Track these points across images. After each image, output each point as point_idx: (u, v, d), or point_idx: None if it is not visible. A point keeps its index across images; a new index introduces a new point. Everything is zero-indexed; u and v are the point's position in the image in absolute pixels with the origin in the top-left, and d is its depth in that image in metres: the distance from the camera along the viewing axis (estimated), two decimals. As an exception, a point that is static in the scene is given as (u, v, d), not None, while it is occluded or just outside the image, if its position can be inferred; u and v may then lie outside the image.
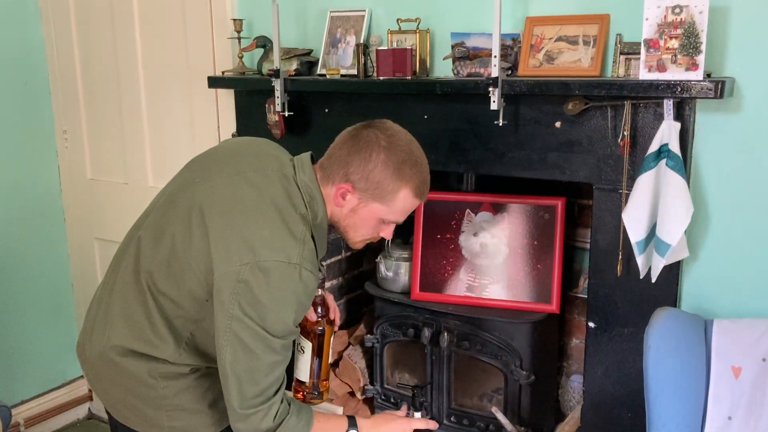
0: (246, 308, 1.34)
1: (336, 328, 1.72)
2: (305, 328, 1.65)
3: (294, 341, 1.60)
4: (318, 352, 1.67)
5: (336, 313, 1.73)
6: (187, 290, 1.45)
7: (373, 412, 2.59)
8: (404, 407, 1.74)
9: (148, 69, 2.72)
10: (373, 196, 1.46)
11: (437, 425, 1.70)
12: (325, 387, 1.71)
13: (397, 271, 2.46)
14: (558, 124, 1.89)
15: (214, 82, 2.40)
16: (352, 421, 1.56)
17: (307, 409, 1.51)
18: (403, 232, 2.57)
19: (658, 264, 1.71)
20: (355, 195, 1.47)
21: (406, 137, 1.51)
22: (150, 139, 2.79)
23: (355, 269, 2.86)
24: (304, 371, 1.67)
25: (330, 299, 1.72)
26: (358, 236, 1.55)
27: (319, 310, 1.68)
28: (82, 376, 3.24)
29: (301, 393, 1.69)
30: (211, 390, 1.57)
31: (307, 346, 1.66)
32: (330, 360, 1.71)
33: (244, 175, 1.47)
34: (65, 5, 2.85)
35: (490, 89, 1.84)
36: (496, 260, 2.31)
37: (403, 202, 1.49)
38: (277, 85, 2.21)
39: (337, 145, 1.53)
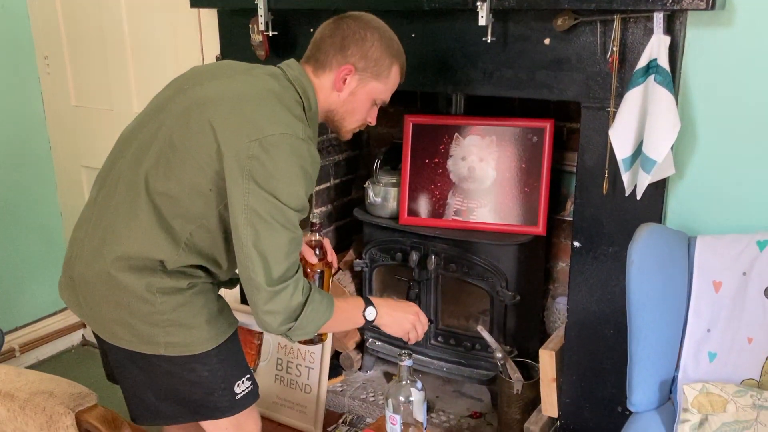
0: (260, 182, 1.38)
1: (334, 271, 1.75)
2: (305, 270, 1.66)
3: None
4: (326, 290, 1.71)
5: (333, 257, 1.77)
6: (188, 183, 1.46)
7: (362, 335, 2.63)
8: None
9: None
10: (373, 74, 1.57)
11: (428, 321, 1.80)
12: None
13: (385, 197, 2.46)
14: (547, 41, 1.86)
15: (196, 1, 2.34)
16: (367, 301, 1.62)
17: (326, 292, 1.58)
18: (392, 158, 2.56)
19: (644, 181, 1.71)
20: (355, 76, 1.56)
21: (380, 21, 1.62)
22: (133, 64, 2.73)
23: (344, 197, 2.86)
24: None
25: (327, 243, 1.75)
26: (354, 123, 1.63)
27: (317, 252, 1.71)
28: (74, 305, 3.27)
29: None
30: (207, 306, 1.58)
31: None
32: None
33: (235, 77, 1.53)
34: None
35: (479, 3, 1.80)
36: (484, 184, 2.31)
37: (394, 78, 1.62)
38: (260, 2, 2.15)
39: (323, 37, 1.59)
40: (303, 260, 1.68)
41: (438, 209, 2.36)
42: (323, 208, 2.76)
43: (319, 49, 1.58)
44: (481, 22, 1.81)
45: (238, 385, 1.63)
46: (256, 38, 2.25)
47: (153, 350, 1.54)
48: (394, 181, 2.46)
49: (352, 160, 2.87)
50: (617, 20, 1.72)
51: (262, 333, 2.58)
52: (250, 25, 2.25)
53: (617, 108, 1.75)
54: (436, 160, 2.37)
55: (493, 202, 2.30)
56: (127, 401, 1.65)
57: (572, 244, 1.96)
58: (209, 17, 2.47)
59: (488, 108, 2.37)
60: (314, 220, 1.78)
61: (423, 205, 2.38)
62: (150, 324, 1.53)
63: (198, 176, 1.45)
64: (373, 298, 1.64)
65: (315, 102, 1.57)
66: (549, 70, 1.88)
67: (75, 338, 3.26)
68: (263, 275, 1.41)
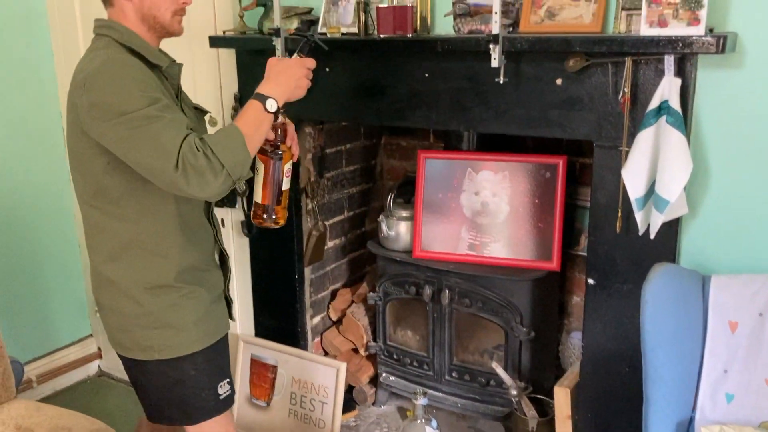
0: (107, 116, 1.44)
1: (295, 159, 1.72)
2: (262, 147, 1.64)
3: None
4: (274, 176, 1.67)
5: (294, 143, 1.73)
6: (86, 164, 1.56)
7: (375, 369, 2.64)
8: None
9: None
10: None
11: (314, 62, 1.69)
12: (281, 215, 1.71)
13: (398, 231, 2.48)
14: (559, 81, 1.88)
15: (216, 41, 2.39)
16: (257, 96, 1.56)
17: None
18: (405, 191, 2.58)
19: (657, 220, 1.72)
20: None
21: None
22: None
23: (357, 229, 2.89)
24: (257, 192, 1.68)
25: (291, 129, 1.72)
26: (166, 11, 1.60)
27: (279, 132, 1.67)
28: (91, 335, 3.30)
29: (258, 217, 1.71)
30: (195, 309, 1.66)
31: (260, 167, 1.67)
32: (286, 187, 1.70)
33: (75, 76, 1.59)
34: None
35: (491, 46, 1.82)
36: (498, 219, 2.32)
37: None
38: (278, 44, 2.20)
39: None
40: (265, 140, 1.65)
41: (451, 243, 2.38)
42: (337, 241, 2.79)
43: None
44: (494, 63, 1.84)
45: (221, 386, 1.71)
46: (273, 77, 2.29)
47: (148, 356, 1.64)
48: (408, 215, 2.48)
49: (365, 193, 2.90)
50: (628, 62, 1.74)
51: (276, 366, 2.59)
52: (267, 64, 2.29)
53: (629, 147, 1.77)
54: (450, 195, 2.39)
55: (506, 237, 2.31)
56: (141, 402, 1.78)
57: (586, 281, 1.97)
58: (228, 54, 2.52)
59: (501, 143, 2.40)
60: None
61: (436, 239, 2.40)
62: (143, 327, 1.63)
63: (94, 161, 1.54)
64: (260, 87, 1.58)
65: (128, 31, 1.57)
66: (561, 110, 1.90)
67: (91, 369, 3.28)
68: (164, 171, 1.41)
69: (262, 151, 1.65)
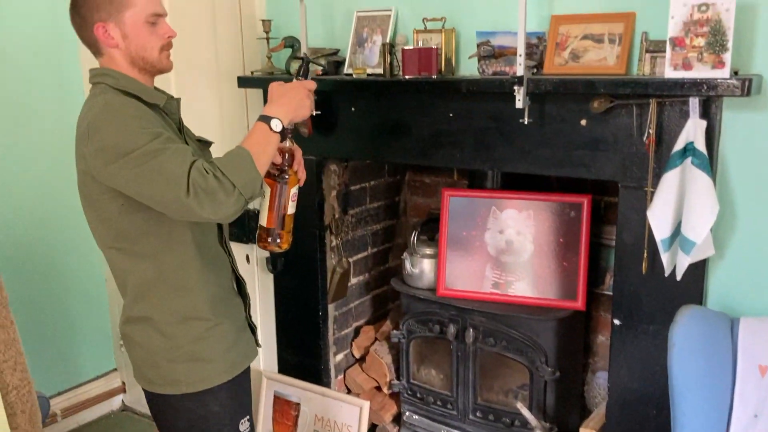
0: (114, 158, 1.47)
1: (301, 183, 1.73)
2: (268, 171, 1.66)
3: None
4: (279, 200, 1.68)
5: (301, 168, 1.74)
6: (102, 210, 1.59)
7: (399, 407, 2.62)
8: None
9: (179, 69, 2.75)
10: (118, 10, 1.57)
11: (315, 84, 1.73)
12: (285, 239, 1.71)
13: (422, 268, 2.48)
14: (583, 122, 1.90)
15: (244, 82, 2.45)
16: (263, 117, 1.59)
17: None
18: (429, 228, 2.60)
19: (684, 262, 1.71)
20: (110, 24, 1.57)
21: None
22: (181, 138, 2.84)
23: (380, 265, 2.90)
24: (262, 216, 1.69)
25: (298, 154, 1.74)
26: (153, 51, 1.62)
27: (286, 156, 1.68)
28: (116, 369, 3.32)
29: (263, 241, 1.71)
30: (223, 340, 1.68)
31: (267, 190, 1.68)
32: (292, 211, 1.71)
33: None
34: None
35: (516, 88, 1.85)
36: (522, 257, 2.32)
37: None
38: (305, 84, 2.24)
39: (73, 26, 1.63)
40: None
41: (476, 282, 2.38)
42: (360, 278, 2.79)
43: (81, 37, 1.63)
44: (518, 105, 1.86)
45: (242, 423, 1.71)
46: (299, 116, 2.34)
47: (175, 390, 1.65)
48: (432, 253, 2.48)
49: (389, 230, 2.92)
50: (653, 104, 1.75)
51: (299, 404, 2.59)
52: (294, 104, 2.33)
53: (655, 188, 1.77)
54: (474, 233, 2.39)
55: (531, 276, 2.31)
56: None
57: (612, 321, 1.96)
58: (255, 94, 2.57)
59: (524, 181, 2.41)
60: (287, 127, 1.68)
61: (461, 278, 2.40)
62: (169, 359, 1.64)
63: (109, 205, 1.56)
64: (265, 109, 1.61)
65: (122, 76, 1.60)
66: (586, 150, 1.91)
67: (115, 403, 3.30)
68: (177, 199, 1.43)
69: (268, 174, 1.67)
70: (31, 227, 2.87)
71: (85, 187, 1.60)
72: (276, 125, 1.57)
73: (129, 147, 1.45)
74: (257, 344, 1.85)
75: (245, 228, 2.59)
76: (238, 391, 1.73)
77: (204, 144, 1.84)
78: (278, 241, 1.69)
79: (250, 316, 1.85)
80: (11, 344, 2.01)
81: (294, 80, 1.72)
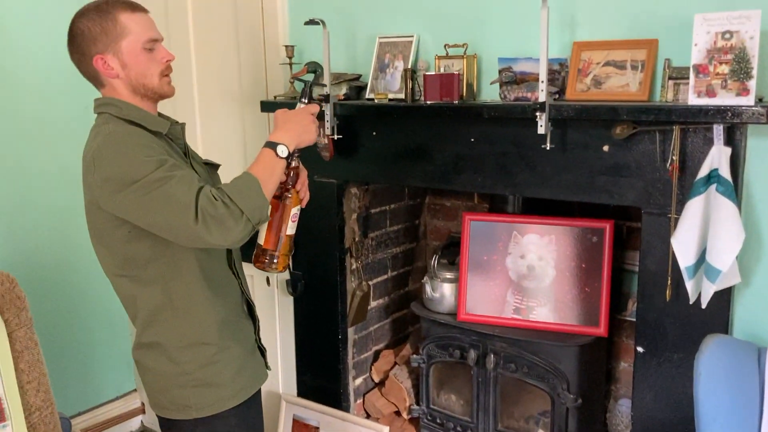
0: (119, 188, 1.48)
1: (303, 204, 1.74)
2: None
3: None
4: (279, 219, 1.67)
5: (303, 188, 1.74)
6: (108, 238, 1.61)
7: (418, 432, 2.61)
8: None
9: (203, 93, 2.82)
10: (115, 40, 1.59)
11: (318, 107, 1.76)
12: (281, 260, 1.69)
13: (443, 292, 2.48)
14: (606, 148, 1.89)
15: (267, 106, 2.47)
16: (269, 144, 1.60)
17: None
18: (449, 252, 2.59)
19: (709, 290, 1.69)
20: (108, 56, 1.59)
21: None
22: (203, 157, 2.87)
23: (400, 289, 2.89)
24: (260, 235, 1.68)
25: (303, 174, 1.75)
26: (154, 77, 1.64)
27: (291, 175, 1.69)
28: (135, 390, 3.33)
29: (260, 261, 1.69)
30: (231, 364, 1.68)
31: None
32: (291, 232, 1.70)
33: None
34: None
35: (538, 114, 1.85)
36: (544, 283, 2.31)
37: (131, 22, 1.60)
38: (327, 109, 2.26)
39: (73, 62, 1.66)
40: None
41: (497, 307, 2.37)
42: (380, 301, 2.79)
43: (82, 71, 1.65)
44: (540, 131, 1.86)
45: None
46: (322, 141, 2.36)
47: (186, 415, 1.65)
48: (452, 277, 2.48)
49: (409, 253, 2.92)
50: (676, 131, 1.75)
51: (318, 428, 2.58)
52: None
53: (678, 214, 1.76)
54: (495, 258, 2.39)
55: (552, 302, 2.29)
56: None
57: (635, 349, 1.94)
58: (276, 119, 2.60)
59: (546, 205, 2.40)
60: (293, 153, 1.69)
61: (481, 302, 2.39)
62: (179, 386, 1.65)
63: (115, 233, 1.58)
64: (271, 135, 1.63)
65: (125, 105, 1.62)
66: (608, 176, 1.91)
67: (134, 424, 3.31)
68: (186, 226, 1.44)
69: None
70: (55, 250, 2.91)
71: (92, 216, 1.62)
72: (282, 151, 1.59)
73: (134, 176, 1.46)
74: (267, 367, 1.85)
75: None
76: (249, 414, 1.73)
77: (211, 167, 1.85)
78: (275, 261, 1.68)
79: (260, 339, 1.85)
80: (35, 365, 2.03)
81: (298, 105, 1.74)
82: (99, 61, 1.59)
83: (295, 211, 1.69)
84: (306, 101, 1.78)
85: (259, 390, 1.80)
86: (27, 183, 2.82)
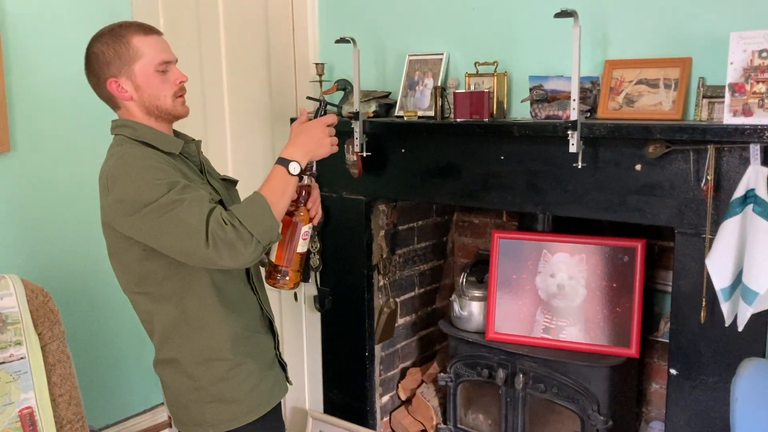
0: (131, 211, 1.50)
1: (315, 223, 1.72)
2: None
3: None
4: (290, 237, 1.67)
5: (315, 206, 1.73)
6: (123, 257, 1.63)
7: (445, 452, 2.58)
8: (302, 111, 1.74)
9: (234, 110, 2.85)
10: (128, 63, 1.61)
11: (336, 118, 1.72)
12: (292, 277, 1.69)
13: (471, 311, 2.46)
14: (638, 167, 1.87)
15: (296, 123, 2.49)
16: (280, 160, 1.59)
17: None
18: (477, 270, 2.58)
19: (745, 312, 1.65)
20: (121, 78, 1.61)
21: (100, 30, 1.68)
22: (232, 174, 2.90)
23: (428, 306, 2.88)
24: (272, 251, 1.68)
25: (315, 192, 1.73)
26: (167, 98, 1.65)
27: (303, 194, 1.68)
28: (162, 403, 3.35)
29: (272, 278, 1.69)
30: (246, 380, 1.68)
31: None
32: (302, 249, 1.69)
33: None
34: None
35: (570, 132, 1.84)
36: (574, 302, 2.28)
37: (144, 45, 1.62)
38: (357, 126, 2.27)
39: (91, 87, 1.68)
40: None
41: (526, 326, 2.34)
42: (407, 318, 2.78)
43: (99, 94, 1.68)
44: (572, 149, 1.85)
45: None
46: (350, 158, 2.37)
47: (203, 431, 1.66)
48: (481, 295, 2.46)
49: (436, 270, 2.91)
50: (711, 150, 1.72)
51: (345, 445, 2.56)
52: (345, 146, 2.37)
53: (713, 235, 1.73)
54: (524, 276, 2.37)
55: (583, 321, 2.27)
56: None
57: (669, 372, 1.90)
58: (306, 135, 2.61)
59: (575, 224, 2.38)
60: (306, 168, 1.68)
61: (510, 321, 2.37)
62: (196, 401, 1.66)
63: (130, 251, 1.60)
64: (283, 151, 1.61)
65: (140, 126, 1.63)
66: (641, 195, 1.88)
67: (161, 438, 3.33)
68: (197, 249, 1.45)
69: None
70: (85, 263, 2.95)
71: (107, 235, 1.65)
72: (294, 168, 1.58)
73: (145, 199, 1.48)
74: (288, 381, 1.84)
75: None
76: (267, 429, 1.72)
77: (229, 183, 1.85)
78: (286, 279, 1.68)
79: (280, 353, 1.84)
80: (67, 378, 2.06)
81: (312, 122, 1.71)
82: (113, 84, 1.62)
83: (305, 228, 1.69)
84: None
85: (280, 404, 1.80)
86: (59, 196, 2.87)
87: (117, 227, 1.57)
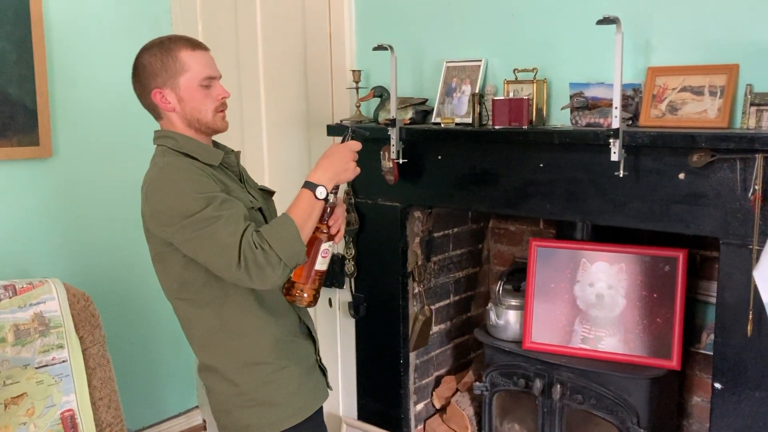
0: (169, 222, 1.55)
1: (335, 241, 1.74)
2: None
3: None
4: (311, 256, 1.67)
5: (336, 225, 1.73)
6: (166, 262, 1.67)
7: (480, 462, 2.56)
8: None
9: (271, 117, 2.87)
10: (173, 76, 1.65)
11: (360, 145, 1.75)
12: (310, 294, 1.69)
13: (507, 319, 2.43)
14: (682, 176, 1.84)
15: (333, 130, 2.50)
16: (307, 184, 1.63)
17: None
18: (514, 278, 2.55)
19: (795, 326, 1.61)
20: (166, 90, 1.66)
21: (151, 41, 1.72)
22: (269, 183, 2.92)
23: (462, 314, 2.86)
24: None
25: (338, 210, 1.73)
26: (207, 113, 1.69)
27: (327, 211, 1.69)
28: (197, 407, 3.38)
29: (290, 294, 1.69)
30: (288, 383, 1.70)
31: None
32: (320, 267, 1.69)
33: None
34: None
35: (611, 140, 1.81)
36: (613, 312, 2.24)
37: (191, 59, 1.66)
38: (393, 133, 2.27)
39: (136, 95, 1.73)
40: None
41: (564, 336, 2.31)
42: (442, 326, 2.76)
43: (142, 103, 1.72)
44: (614, 157, 1.82)
45: None
46: (387, 165, 2.36)
47: None
48: (517, 304, 2.43)
49: (471, 278, 2.89)
50: (759, 159, 1.68)
51: (379, 453, 2.55)
52: (382, 152, 2.36)
53: (761, 246, 1.69)
54: (562, 285, 2.33)
55: (622, 332, 2.23)
56: None
57: (713, 386, 1.86)
58: (342, 142, 2.62)
59: (614, 232, 2.34)
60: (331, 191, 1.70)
61: (548, 331, 2.34)
62: (241, 406, 1.67)
63: (172, 257, 1.63)
64: (310, 175, 1.64)
65: (181, 137, 1.67)
66: (684, 205, 1.85)
67: (196, 440, 3.36)
68: (228, 268, 1.49)
69: None
70: (125, 268, 2.99)
71: (150, 242, 1.69)
72: (321, 193, 1.62)
73: (183, 213, 1.52)
74: (328, 386, 1.86)
75: (328, 272, 2.61)
76: None
77: (267, 193, 1.89)
78: (305, 295, 1.69)
79: (320, 358, 1.85)
80: (107, 382, 2.09)
81: (337, 147, 1.74)
82: (157, 94, 1.66)
83: (325, 246, 1.70)
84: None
85: (321, 409, 1.80)
86: (100, 201, 2.92)
87: (157, 234, 1.61)
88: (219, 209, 1.52)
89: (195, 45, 1.68)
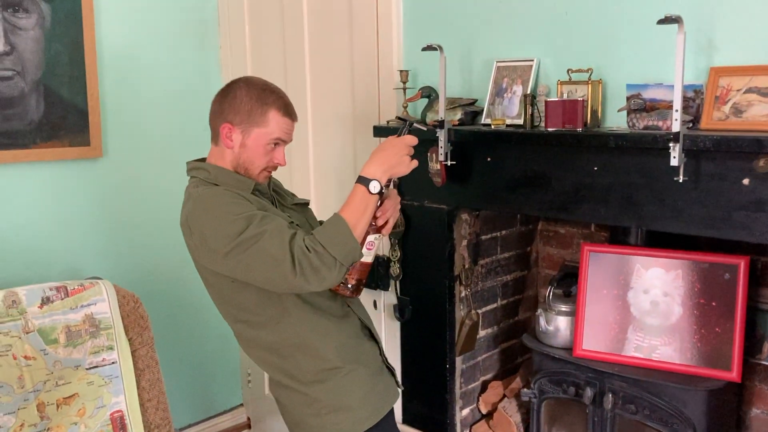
0: (215, 250, 1.56)
1: (384, 233, 1.72)
2: None
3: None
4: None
5: (383, 216, 1.71)
6: (217, 289, 1.68)
7: (528, 470, 2.51)
8: None
9: (317, 117, 2.85)
10: (250, 123, 1.67)
11: (417, 140, 1.74)
12: (356, 286, 1.69)
13: (557, 326, 2.38)
14: (746, 182, 1.75)
15: (379, 131, 2.47)
16: (362, 179, 1.61)
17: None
18: (564, 283, 2.49)
19: None
20: (236, 130, 1.68)
21: (261, 78, 1.76)
22: (314, 183, 2.91)
23: (510, 318, 2.81)
24: None
25: (387, 202, 1.71)
26: (258, 167, 1.71)
27: (378, 203, 1.67)
28: (242, 404, 3.40)
29: (338, 285, 1.68)
30: (359, 387, 1.70)
31: None
32: (365, 259, 1.68)
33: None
34: (242, 63, 3.05)
35: (671, 144, 1.74)
36: (669, 320, 2.17)
37: (275, 121, 1.69)
38: (441, 135, 2.23)
39: (210, 110, 1.75)
40: None
41: (616, 344, 2.24)
42: (489, 330, 2.72)
43: (210, 122, 1.75)
44: (673, 162, 1.75)
45: None
46: (434, 166, 2.32)
47: None
48: (568, 310, 2.37)
49: (519, 281, 2.83)
50: (832, 165, 1.59)
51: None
52: (429, 154, 2.32)
53: (832, 256, 1.60)
54: (615, 292, 2.26)
55: (678, 341, 2.15)
56: None
57: (777, 400, 1.78)
58: (388, 143, 2.58)
59: (669, 238, 2.26)
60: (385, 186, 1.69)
61: (600, 338, 2.27)
62: (314, 414, 1.67)
63: (223, 285, 1.65)
64: (363, 170, 1.62)
65: (217, 170, 1.70)
66: (748, 211, 1.76)
67: (240, 439, 3.38)
68: (284, 278, 1.48)
69: None
70: (173, 268, 3.01)
71: (200, 271, 1.71)
72: (374, 187, 1.59)
73: (228, 237, 1.52)
74: (398, 385, 1.86)
75: (373, 274, 2.59)
76: None
77: (302, 206, 1.89)
78: (348, 287, 1.69)
79: (386, 359, 1.84)
80: (155, 383, 2.10)
81: (391, 141, 1.72)
82: (226, 128, 1.68)
83: (371, 239, 1.69)
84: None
85: (392, 410, 1.81)
86: (148, 202, 2.94)
87: (207, 266, 1.62)
88: (261, 225, 1.52)
89: (288, 113, 1.71)
